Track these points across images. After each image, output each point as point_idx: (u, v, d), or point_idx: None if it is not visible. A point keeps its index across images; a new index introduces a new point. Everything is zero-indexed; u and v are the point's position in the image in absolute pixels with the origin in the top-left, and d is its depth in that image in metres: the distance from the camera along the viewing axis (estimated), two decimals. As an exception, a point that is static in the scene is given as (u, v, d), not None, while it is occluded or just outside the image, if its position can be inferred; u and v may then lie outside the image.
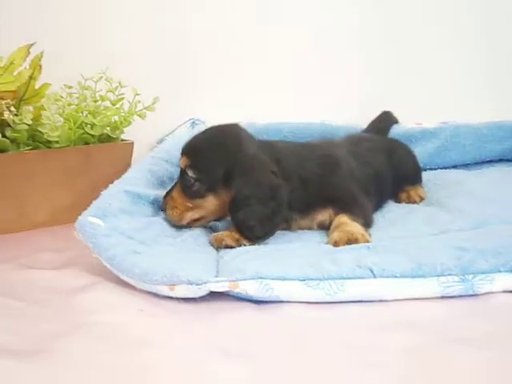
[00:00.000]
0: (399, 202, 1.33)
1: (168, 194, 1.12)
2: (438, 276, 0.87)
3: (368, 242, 1.00)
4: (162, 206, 1.12)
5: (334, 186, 1.13)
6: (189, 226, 1.11)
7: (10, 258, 1.08)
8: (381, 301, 0.86)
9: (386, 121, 1.57)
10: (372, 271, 0.86)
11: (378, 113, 1.59)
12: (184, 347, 0.73)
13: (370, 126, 1.57)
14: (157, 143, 1.52)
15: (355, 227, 1.04)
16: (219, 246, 1.03)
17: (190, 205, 1.08)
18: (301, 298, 0.85)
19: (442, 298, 0.87)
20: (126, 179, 1.14)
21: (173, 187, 1.12)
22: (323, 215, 1.13)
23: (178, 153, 1.19)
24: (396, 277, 0.86)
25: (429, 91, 1.75)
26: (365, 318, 0.82)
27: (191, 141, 1.11)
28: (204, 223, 1.13)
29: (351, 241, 0.99)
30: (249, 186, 1.03)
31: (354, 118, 1.60)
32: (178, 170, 1.15)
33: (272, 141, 1.20)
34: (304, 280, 0.85)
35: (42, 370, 0.68)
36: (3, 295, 0.91)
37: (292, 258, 0.92)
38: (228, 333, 0.77)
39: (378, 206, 1.26)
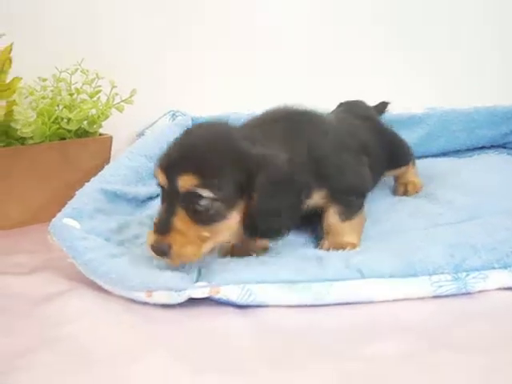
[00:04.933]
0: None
1: (164, 227, 0.82)
2: (429, 275, 0.83)
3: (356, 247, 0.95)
4: (158, 248, 0.81)
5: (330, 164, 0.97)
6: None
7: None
8: (370, 302, 0.82)
9: (381, 110, 1.49)
10: (360, 271, 0.82)
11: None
12: (164, 360, 0.69)
13: None
14: (136, 136, 1.47)
15: (346, 235, 0.97)
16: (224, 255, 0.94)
17: (208, 234, 0.83)
18: (286, 302, 0.80)
19: (434, 297, 0.83)
20: (102, 176, 1.09)
21: (167, 217, 0.82)
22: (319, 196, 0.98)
23: (158, 147, 1.15)
24: (386, 277, 0.82)
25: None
26: (353, 321, 0.78)
27: (184, 151, 0.85)
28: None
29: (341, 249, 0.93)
30: (271, 186, 0.85)
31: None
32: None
33: (250, 126, 1.00)
34: (288, 283, 0.80)
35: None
36: None
37: (276, 260, 0.87)
38: (209, 341, 0.72)
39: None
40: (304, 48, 1.66)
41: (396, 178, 1.32)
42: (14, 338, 0.74)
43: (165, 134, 1.25)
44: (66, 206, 0.99)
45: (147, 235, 0.84)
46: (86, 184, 1.07)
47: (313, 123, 1.01)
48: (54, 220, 0.95)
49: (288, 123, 0.98)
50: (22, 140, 1.23)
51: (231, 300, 0.79)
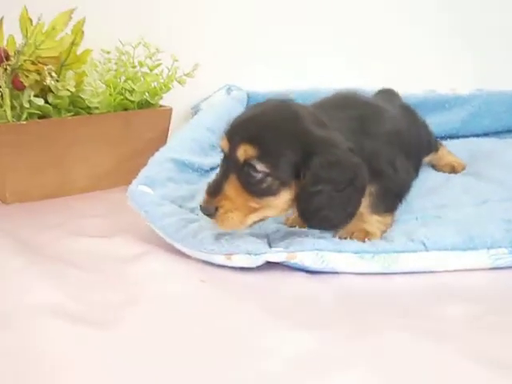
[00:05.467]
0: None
1: (215, 190, 0.85)
2: (488, 249, 0.88)
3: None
4: (206, 209, 0.85)
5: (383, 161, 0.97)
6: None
7: (56, 224, 1.10)
8: (432, 272, 0.89)
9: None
10: (424, 244, 0.88)
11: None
12: (247, 316, 0.76)
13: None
14: (191, 109, 1.53)
15: (368, 224, 0.95)
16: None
17: (257, 205, 0.85)
18: (355, 269, 0.87)
19: (491, 269, 0.89)
20: (171, 146, 1.15)
21: (221, 181, 0.85)
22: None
23: (219, 121, 1.20)
24: (448, 249, 0.88)
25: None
26: (418, 288, 0.85)
27: (249, 124, 0.87)
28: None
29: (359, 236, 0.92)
30: (328, 169, 0.84)
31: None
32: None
33: (318, 107, 1.00)
34: (359, 253, 0.87)
35: (112, 339, 0.70)
36: (60, 261, 0.92)
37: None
38: (291, 301, 0.80)
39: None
40: (359, 28, 1.70)
41: (434, 165, 1.36)
42: (114, 293, 0.82)
43: (225, 108, 1.31)
44: (140, 174, 1.05)
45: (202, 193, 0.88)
46: (156, 153, 1.13)
47: (375, 116, 1.03)
48: (130, 187, 1.01)
49: (355, 113, 0.99)
50: (88, 109, 1.29)
51: (305, 265, 0.86)
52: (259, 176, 0.84)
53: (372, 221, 0.96)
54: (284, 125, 0.86)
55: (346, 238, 0.91)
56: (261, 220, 0.89)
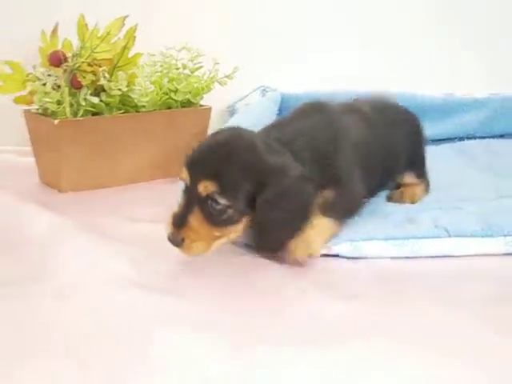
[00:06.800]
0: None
1: (181, 222, 0.90)
2: (504, 236, 0.99)
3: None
4: (173, 240, 0.90)
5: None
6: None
7: (111, 211, 1.20)
8: (451, 256, 1.00)
9: None
10: (447, 231, 0.99)
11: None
12: (301, 292, 0.87)
13: None
14: (227, 108, 1.64)
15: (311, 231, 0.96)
16: None
17: (218, 233, 0.92)
18: (386, 254, 0.98)
19: (505, 254, 1.00)
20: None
21: (185, 213, 0.91)
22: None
23: (255, 120, 1.31)
24: (467, 236, 0.99)
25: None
26: (442, 269, 0.96)
27: (207, 158, 0.91)
28: None
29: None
30: (278, 198, 0.91)
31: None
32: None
33: (275, 125, 1.09)
34: (389, 240, 0.98)
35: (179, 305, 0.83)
36: (120, 242, 1.03)
37: (378, 222, 1.06)
38: (333, 278, 0.92)
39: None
40: (387, 33, 1.81)
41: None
42: (173, 264, 0.95)
43: (261, 108, 1.42)
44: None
45: (166, 223, 0.92)
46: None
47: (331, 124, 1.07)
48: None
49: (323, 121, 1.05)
50: (136, 108, 1.41)
51: (341, 254, 0.98)
52: (220, 208, 0.89)
53: (319, 225, 0.97)
54: (240, 157, 0.91)
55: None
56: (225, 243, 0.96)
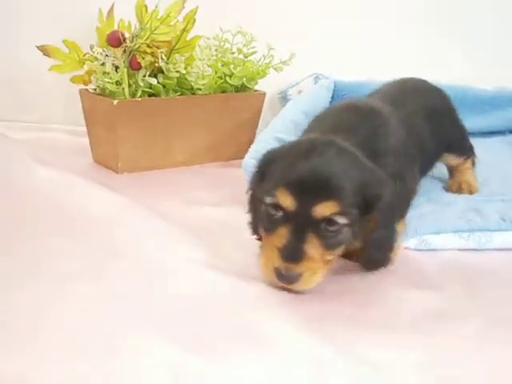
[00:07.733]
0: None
1: (297, 255, 0.79)
2: None
3: None
4: (290, 277, 0.79)
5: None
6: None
7: (171, 194, 1.20)
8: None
9: None
10: (516, 224, 0.99)
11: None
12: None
13: None
14: (278, 94, 1.64)
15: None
16: None
17: (331, 257, 0.82)
18: (453, 247, 0.98)
19: None
20: (275, 127, 1.26)
21: (298, 244, 0.79)
22: None
23: (311, 106, 1.31)
24: (535, 229, 0.99)
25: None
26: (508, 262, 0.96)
27: (320, 178, 0.79)
28: None
29: None
30: (389, 210, 0.85)
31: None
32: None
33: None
34: (456, 232, 0.98)
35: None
36: (185, 226, 1.02)
37: (443, 213, 1.05)
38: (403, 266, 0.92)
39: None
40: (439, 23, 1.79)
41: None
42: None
43: (315, 94, 1.41)
44: (251, 149, 1.16)
45: (265, 257, 0.82)
46: (262, 132, 1.24)
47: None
48: (244, 160, 1.12)
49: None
50: (191, 90, 1.41)
51: (409, 247, 0.98)
52: (337, 228, 0.80)
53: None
54: (353, 171, 0.82)
55: None
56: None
